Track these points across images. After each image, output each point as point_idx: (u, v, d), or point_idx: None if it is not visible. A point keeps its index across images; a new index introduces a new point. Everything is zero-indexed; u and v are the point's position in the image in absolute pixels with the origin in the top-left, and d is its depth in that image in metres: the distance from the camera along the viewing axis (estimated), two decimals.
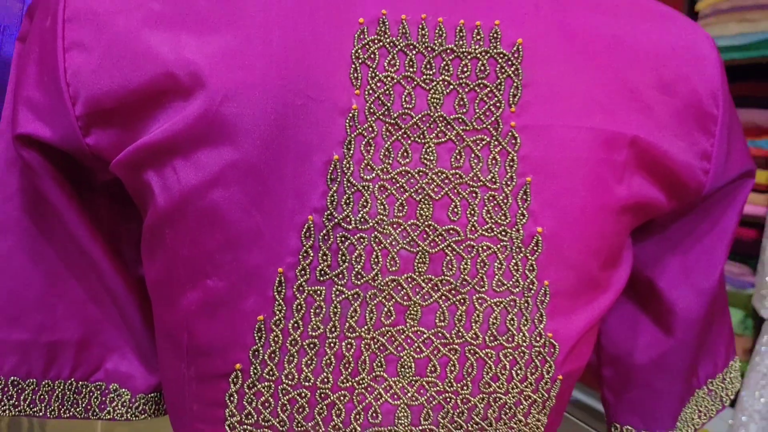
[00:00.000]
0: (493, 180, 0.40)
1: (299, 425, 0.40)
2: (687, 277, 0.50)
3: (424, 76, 0.39)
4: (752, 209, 1.96)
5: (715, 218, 0.50)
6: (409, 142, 0.39)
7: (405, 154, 0.39)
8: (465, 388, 0.41)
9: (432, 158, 0.39)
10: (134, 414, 0.51)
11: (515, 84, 0.40)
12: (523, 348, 0.41)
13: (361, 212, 0.38)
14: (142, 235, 0.43)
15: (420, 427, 0.41)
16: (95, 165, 0.42)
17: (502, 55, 0.40)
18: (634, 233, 0.50)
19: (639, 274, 0.51)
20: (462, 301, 0.40)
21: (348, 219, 0.38)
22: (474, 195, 0.40)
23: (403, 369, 0.40)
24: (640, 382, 0.53)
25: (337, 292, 0.39)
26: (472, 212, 0.40)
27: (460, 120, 0.40)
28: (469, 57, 0.40)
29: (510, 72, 0.40)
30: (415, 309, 0.40)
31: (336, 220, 0.38)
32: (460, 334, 0.40)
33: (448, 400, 0.41)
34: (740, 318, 1.98)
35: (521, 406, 0.43)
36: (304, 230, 0.38)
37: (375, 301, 0.39)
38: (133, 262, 0.48)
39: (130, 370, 0.50)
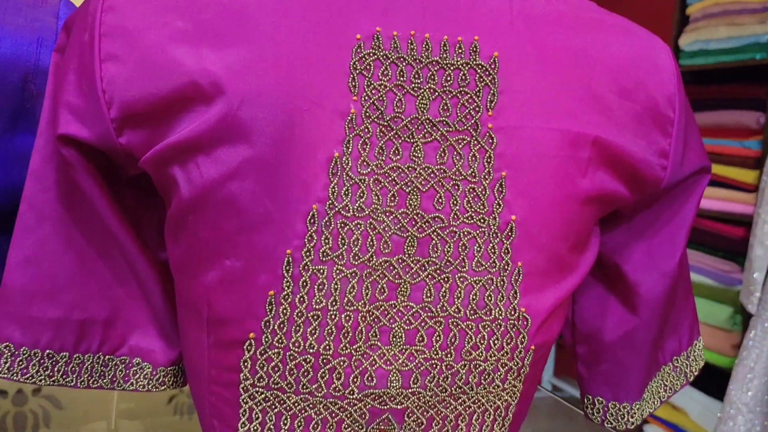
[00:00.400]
0: (473, 174, 0.46)
1: (304, 387, 0.46)
2: (650, 262, 0.56)
3: (413, 85, 0.45)
4: (740, 208, 2.02)
5: (675, 210, 0.56)
6: (400, 141, 0.45)
7: (396, 151, 0.45)
8: (449, 355, 0.47)
9: (420, 155, 0.45)
10: (154, 385, 0.57)
11: (492, 91, 0.46)
12: (499, 321, 0.47)
13: (358, 202, 0.44)
14: (166, 222, 0.49)
15: (410, 390, 0.47)
16: (125, 161, 0.48)
17: (480, 66, 0.46)
18: (604, 224, 0.56)
19: (608, 260, 0.57)
20: (446, 279, 0.46)
21: (347, 207, 0.44)
22: (456, 187, 0.46)
23: (394, 338, 0.46)
24: (610, 357, 0.59)
25: (338, 271, 0.45)
26: (455, 202, 0.46)
27: (444, 122, 0.46)
28: (452, 68, 0.46)
29: (487, 81, 0.46)
30: (405, 286, 0.46)
31: (336, 208, 0.44)
32: (444, 308, 0.46)
33: (434, 366, 0.47)
34: (729, 314, 2.03)
35: (498, 373, 0.48)
36: (309, 217, 0.44)
37: (370, 279, 0.45)
38: (155, 247, 0.54)
39: (151, 346, 0.56)
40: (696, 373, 0.64)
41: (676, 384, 0.63)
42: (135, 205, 0.53)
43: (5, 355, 0.51)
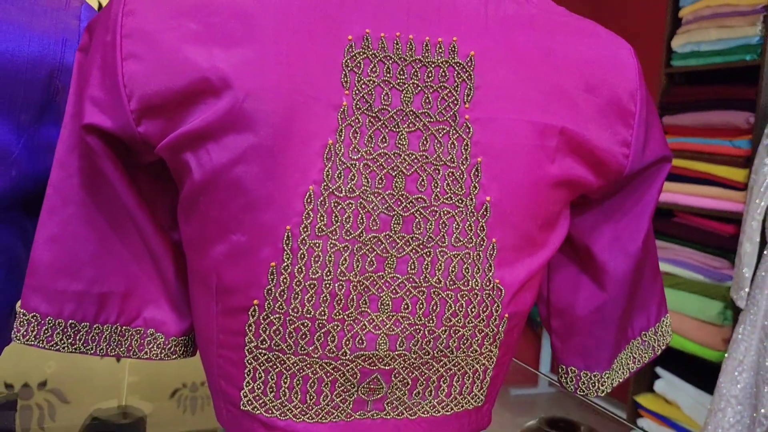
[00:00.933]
0: (452, 160, 0.52)
1: (302, 349, 0.52)
2: (616, 242, 0.62)
3: (398, 80, 0.51)
4: (730, 206, 2.07)
5: (638, 196, 0.62)
6: (387, 130, 0.51)
7: (384, 139, 0.51)
8: (431, 321, 0.53)
9: (404, 143, 0.51)
10: (167, 354, 0.62)
11: (469, 86, 0.52)
12: (476, 291, 0.53)
13: (350, 184, 0.50)
14: (179, 204, 0.54)
15: (396, 352, 0.53)
16: (143, 149, 0.53)
17: (458, 64, 0.52)
18: (575, 208, 0.62)
19: (579, 242, 0.63)
20: (428, 253, 0.52)
21: (339, 189, 0.50)
22: (437, 171, 0.52)
23: (382, 306, 0.52)
24: (581, 330, 0.64)
25: (332, 245, 0.50)
26: (436, 185, 0.52)
27: (426, 114, 0.51)
28: (433, 65, 0.51)
29: (465, 77, 0.52)
30: (391, 260, 0.52)
31: (330, 189, 0.50)
32: (426, 279, 0.52)
33: (418, 331, 0.53)
34: (719, 309, 2.08)
35: (476, 338, 0.54)
36: (306, 197, 0.49)
37: (360, 253, 0.51)
38: (168, 228, 0.60)
39: (164, 318, 0.61)
40: (663, 347, 0.70)
41: (644, 356, 0.68)
42: (150, 190, 0.59)
43: (32, 324, 0.57)
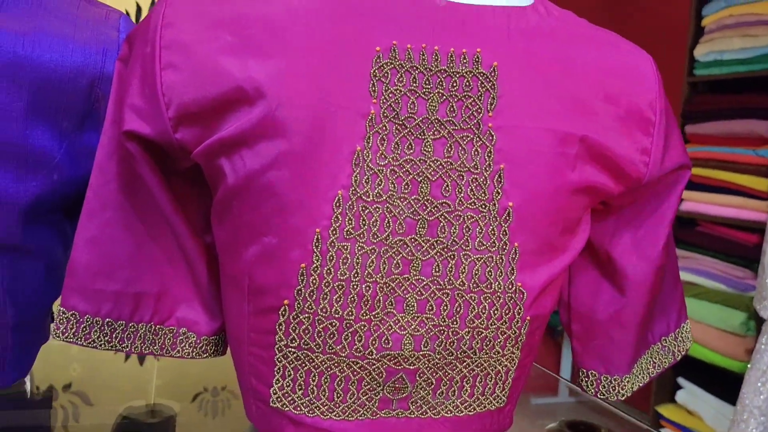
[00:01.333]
0: (476, 167, 0.53)
1: (330, 348, 0.53)
2: (636, 248, 0.63)
3: (424, 89, 0.53)
4: (753, 215, 2.06)
5: (658, 202, 0.63)
6: (413, 138, 0.53)
7: (410, 146, 0.53)
8: (455, 323, 0.54)
9: (429, 150, 0.53)
10: (198, 353, 0.65)
11: (492, 95, 0.53)
12: (498, 293, 0.54)
13: (377, 189, 0.52)
14: (212, 208, 0.57)
15: (420, 353, 0.54)
16: (179, 154, 0.56)
17: (482, 74, 0.53)
18: (597, 215, 0.63)
19: (599, 247, 0.64)
20: (452, 256, 0.54)
21: (367, 194, 0.52)
22: (461, 177, 0.53)
23: (407, 307, 0.54)
24: (601, 334, 0.65)
25: (359, 248, 0.52)
26: (460, 190, 0.53)
27: (451, 122, 0.53)
28: (457, 75, 0.53)
29: (488, 86, 0.53)
30: (416, 262, 0.53)
31: (358, 194, 0.52)
32: (450, 281, 0.54)
33: (442, 332, 0.54)
34: (742, 320, 2.07)
35: (498, 340, 0.56)
36: (335, 201, 0.51)
37: (387, 255, 0.53)
38: (201, 231, 0.62)
39: (196, 318, 0.64)
40: (683, 353, 0.70)
41: (665, 362, 0.69)
42: (184, 194, 0.61)
43: (71, 322, 0.60)
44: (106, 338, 0.61)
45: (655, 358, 0.69)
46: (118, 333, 0.61)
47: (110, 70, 0.61)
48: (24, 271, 0.62)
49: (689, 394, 2.25)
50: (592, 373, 0.67)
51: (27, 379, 0.68)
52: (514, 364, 0.58)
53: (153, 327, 0.62)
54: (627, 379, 0.66)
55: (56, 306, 0.61)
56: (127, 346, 0.62)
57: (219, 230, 0.56)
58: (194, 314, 0.64)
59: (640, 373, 0.67)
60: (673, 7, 2.62)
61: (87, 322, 0.60)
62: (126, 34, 0.64)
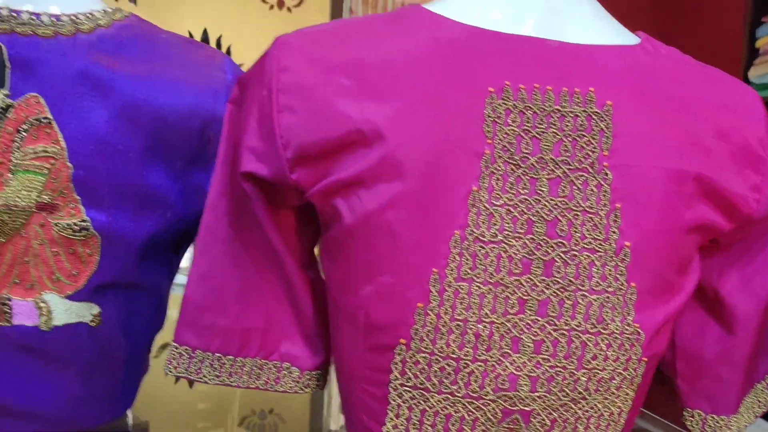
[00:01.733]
0: (591, 206, 0.53)
1: (446, 387, 0.53)
2: (744, 286, 0.62)
3: (538, 129, 0.53)
4: None
5: (766, 240, 0.62)
6: (527, 177, 0.53)
7: (524, 186, 0.53)
8: (571, 364, 0.54)
9: (544, 189, 0.53)
10: (301, 388, 0.65)
11: (606, 134, 0.53)
12: (616, 334, 0.54)
13: (493, 229, 0.52)
14: (322, 243, 0.58)
15: (536, 393, 0.54)
16: (291, 193, 0.57)
17: (596, 114, 0.54)
18: (705, 252, 0.62)
19: (707, 285, 0.63)
20: (568, 297, 0.53)
21: (483, 233, 0.52)
22: (576, 217, 0.53)
23: (523, 347, 0.54)
24: (708, 373, 0.64)
25: (476, 287, 0.52)
26: (575, 230, 0.53)
27: (565, 161, 0.53)
28: (571, 115, 0.54)
29: (602, 126, 0.54)
30: (532, 302, 0.53)
31: (475, 234, 0.52)
32: (566, 322, 0.53)
33: (558, 373, 0.54)
34: None
35: (614, 381, 0.55)
36: (452, 241, 0.52)
37: (503, 295, 0.53)
38: (305, 264, 0.63)
39: (299, 353, 0.64)
40: None
41: None
42: (291, 229, 0.62)
43: (183, 357, 0.61)
44: (215, 373, 0.62)
45: (760, 397, 0.67)
46: (227, 368, 0.62)
47: (221, 111, 0.63)
48: (137, 307, 0.64)
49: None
50: (698, 413, 0.66)
51: (129, 410, 0.69)
52: (628, 405, 0.57)
53: (258, 362, 0.63)
54: (734, 418, 0.65)
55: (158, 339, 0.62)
56: (235, 381, 0.63)
57: (331, 267, 0.57)
58: (297, 349, 0.64)
59: (745, 413, 0.66)
60: (726, 29, 2.59)
61: (198, 357, 0.61)
62: (232, 74, 0.66)
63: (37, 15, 0.58)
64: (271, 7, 3.09)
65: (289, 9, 3.12)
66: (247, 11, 3.03)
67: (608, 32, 0.58)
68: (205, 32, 3.02)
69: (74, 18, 0.60)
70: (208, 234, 0.61)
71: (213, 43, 3.03)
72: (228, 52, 3.00)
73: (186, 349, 0.61)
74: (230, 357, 0.62)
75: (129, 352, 0.65)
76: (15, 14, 0.58)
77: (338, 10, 2.75)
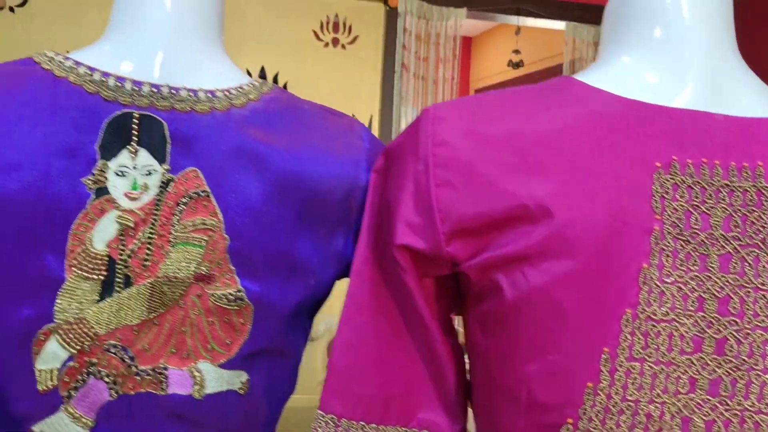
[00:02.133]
0: (763, 282, 0.52)
1: None
2: None
3: (707, 204, 0.53)
4: None
5: None
6: (697, 254, 0.52)
7: (694, 263, 0.52)
8: None
9: (715, 266, 0.52)
10: None
11: None
12: None
13: (664, 307, 0.52)
14: (474, 315, 0.58)
15: None
16: (443, 264, 0.57)
17: (766, 188, 0.53)
18: None
19: None
20: (741, 376, 0.52)
21: (654, 312, 0.51)
22: (748, 294, 0.52)
23: (694, 428, 0.52)
24: None
25: (647, 367, 0.51)
26: (748, 307, 0.52)
27: (736, 237, 0.52)
28: (740, 189, 0.53)
29: None
30: (703, 381, 0.52)
31: (646, 312, 0.51)
32: (739, 402, 0.52)
33: None
34: None
35: None
36: (624, 320, 0.51)
37: (674, 375, 0.52)
38: (447, 331, 0.63)
39: (438, 420, 0.64)
40: None
41: None
42: (434, 297, 0.62)
43: (330, 425, 0.61)
44: None
45: None
46: None
47: (362, 179, 0.64)
48: (280, 372, 0.64)
49: None
50: None
51: None
52: None
53: (398, 429, 0.63)
54: None
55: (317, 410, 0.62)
56: None
57: (487, 340, 0.57)
58: (436, 416, 0.64)
59: None
60: None
61: (343, 425, 0.61)
62: (369, 142, 0.67)
63: (194, 92, 0.60)
64: (326, 44, 3.15)
65: (343, 46, 3.18)
66: (304, 49, 3.09)
67: None
68: (262, 69, 3.09)
69: (227, 93, 0.62)
70: (352, 302, 0.62)
71: (270, 80, 3.09)
72: (285, 87, 3.06)
73: (332, 418, 0.61)
74: (373, 425, 0.62)
75: (269, 417, 0.65)
76: (174, 91, 0.59)
77: (392, 47, 2.79)
